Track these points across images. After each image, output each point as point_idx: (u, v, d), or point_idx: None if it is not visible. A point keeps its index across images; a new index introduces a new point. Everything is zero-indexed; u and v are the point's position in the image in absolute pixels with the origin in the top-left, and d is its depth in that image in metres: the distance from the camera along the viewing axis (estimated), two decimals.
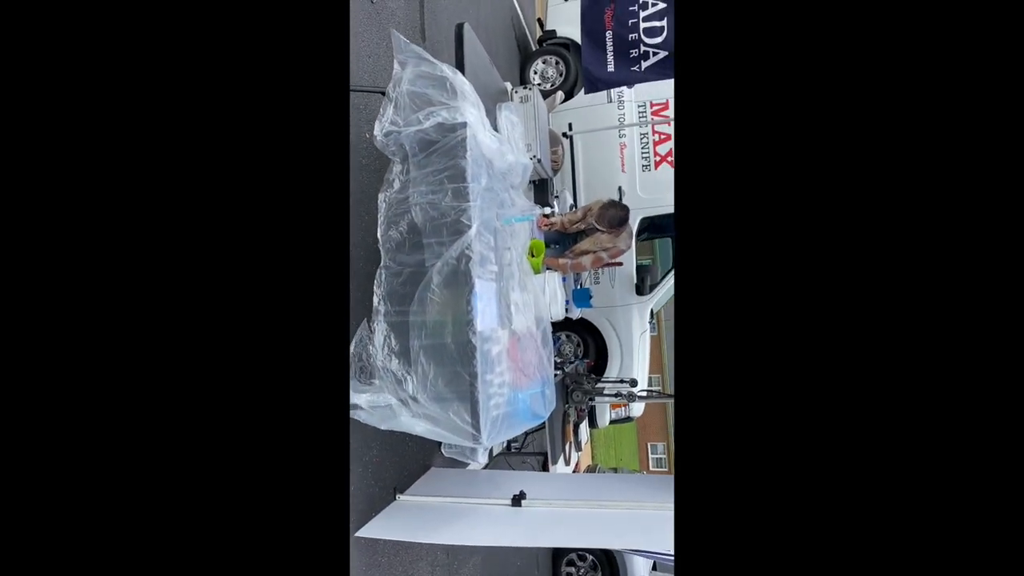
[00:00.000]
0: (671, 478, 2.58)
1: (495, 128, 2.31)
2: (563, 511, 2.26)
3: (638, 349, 4.74)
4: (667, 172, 4.73)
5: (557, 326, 4.50)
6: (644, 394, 4.26)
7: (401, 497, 2.40)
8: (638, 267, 4.78)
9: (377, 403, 1.89)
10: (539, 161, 3.21)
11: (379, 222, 1.96)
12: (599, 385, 3.89)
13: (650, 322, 4.92)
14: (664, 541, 1.91)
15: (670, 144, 4.75)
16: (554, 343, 3.16)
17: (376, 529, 2.14)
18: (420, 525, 2.24)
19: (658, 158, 4.77)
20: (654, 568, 4.99)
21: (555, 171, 4.10)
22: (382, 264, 1.93)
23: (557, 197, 3.88)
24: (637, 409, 5.12)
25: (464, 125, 1.95)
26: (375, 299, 1.90)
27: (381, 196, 1.98)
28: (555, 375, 2.94)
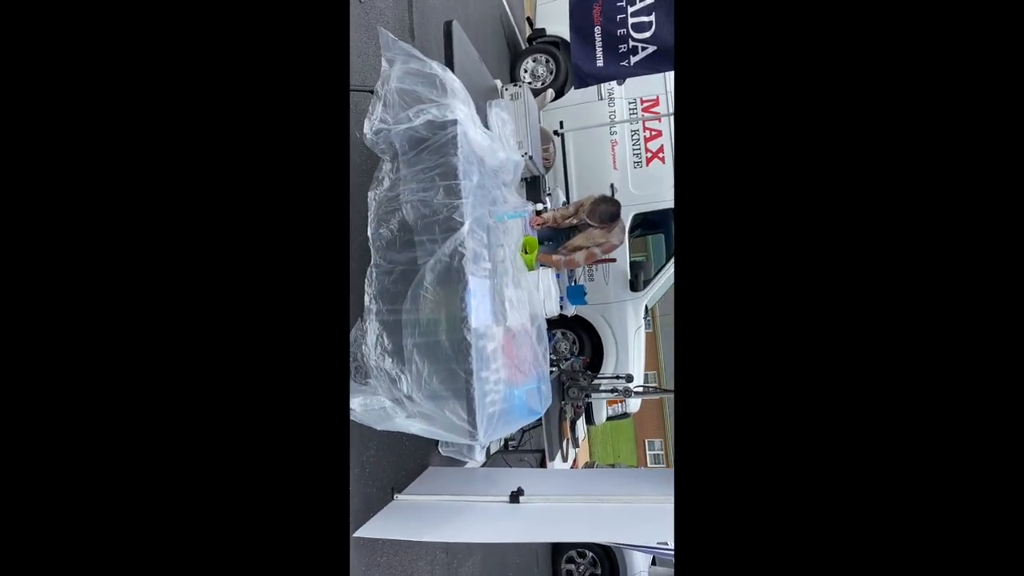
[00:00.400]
0: (668, 471, 2.59)
1: (486, 125, 2.30)
2: (561, 507, 2.26)
3: (633, 345, 4.75)
4: (658, 168, 4.75)
5: (552, 324, 4.51)
6: (640, 390, 4.27)
7: (399, 497, 2.39)
8: (632, 263, 4.79)
9: (370, 406, 1.89)
10: (530, 158, 3.21)
11: (369, 220, 1.95)
12: (595, 382, 3.90)
13: (645, 318, 4.94)
14: (662, 533, 1.91)
15: (661, 140, 4.77)
16: (549, 341, 3.16)
17: (375, 529, 2.13)
18: (419, 524, 2.23)
19: (649, 154, 4.78)
20: (653, 563, 5.00)
21: (547, 168, 4.11)
22: (372, 263, 1.92)
23: (550, 195, 3.88)
24: (633, 405, 5.14)
25: (454, 122, 1.95)
26: (366, 298, 1.89)
27: (371, 194, 1.97)
28: (551, 372, 2.94)
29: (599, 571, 4.95)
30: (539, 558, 4.76)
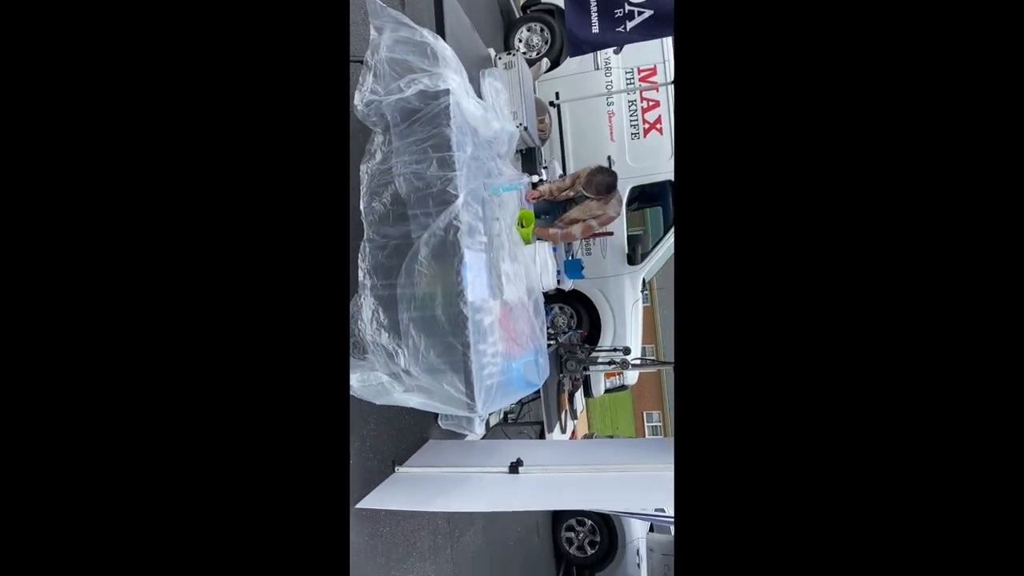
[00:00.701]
0: (663, 440, 2.63)
1: (479, 95, 2.25)
2: (560, 476, 2.30)
3: (631, 319, 4.77)
4: (656, 140, 4.68)
5: (550, 299, 4.51)
6: (638, 362, 4.30)
7: (400, 469, 2.43)
8: (629, 237, 4.77)
9: (368, 381, 1.90)
10: (525, 129, 3.15)
11: (361, 194, 1.92)
12: (593, 355, 3.92)
13: (642, 292, 4.94)
14: (659, 500, 1.95)
15: (659, 111, 4.69)
16: (547, 315, 3.16)
17: (376, 500, 2.17)
18: (420, 495, 2.27)
19: (647, 125, 4.71)
20: (651, 529, 5.13)
21: (543, 140, 4.05)
22: (365, 237, 1.90)
23: (546, 167, 3.83)
24: (631, 377, 5.18)
25: (447, 92, 1.90)
26: (360, 273, 1.88)
27: (363, 167, 1.94)
28: (549, 346, 2.95)
29: (598, 538, 5.09)
30: (539, 526, 4.88)
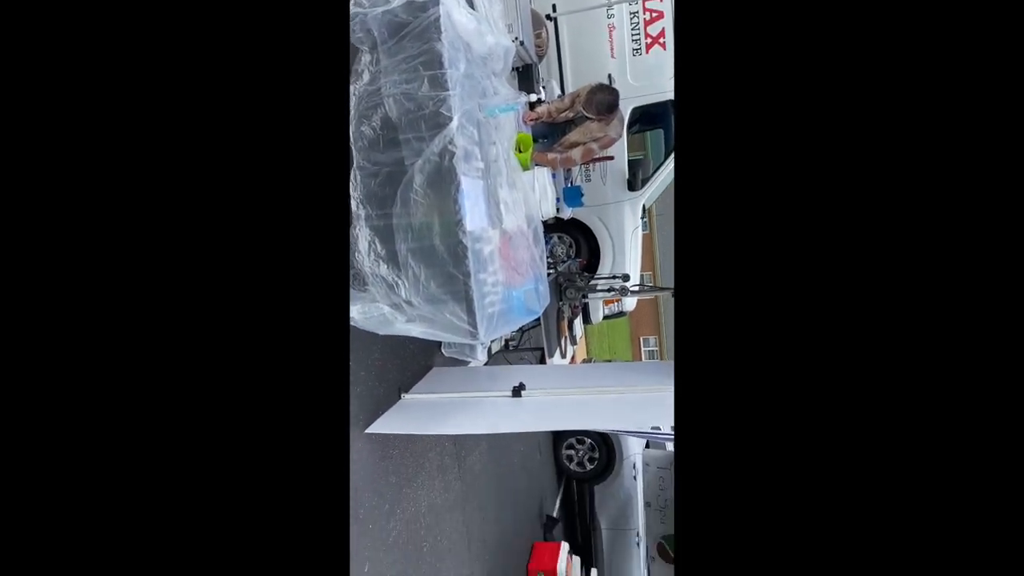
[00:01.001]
0: (658, 363, 2.71)
1: (471, 6, 2.08)
2: (561, 399, 2.38)
3: (630, 246, 4.74)
4: (659, 55, 4.41)
5: (549, 228, 4.45)
6: (636, 288, 4.33)
7: (406, 396, 2.50)
8: (630, 162, 4.63)
9: (370, 313, 1.90)
10: (522, 44, 2.95)
11: (349, 118, 1.82)
12: (592, 282, 3.93)
13: (642, 219, 4.87)
14: (656, 419, 2.03)
15: (662, 23, 4.38)
16: (546, 244, 3.13)
17: (384, 425, 2.25)
18: (426, 419, 2.36)
19: (649, 40, 4.41)
20: (647, 446, 5.42)
21: (540, 57, 3.81)
22: (355, 164, 1.83)
23: (544, 87, 3.63)
24: (629, 304, 5.24)
25: (436, 2, 1.76)
26: (352, 203, 1.82)
27: (350, 89, 1.83)
28: (548, 274, 2.95)
29: (597, 455, 5.38)
30: (541, 445, 5.14)
